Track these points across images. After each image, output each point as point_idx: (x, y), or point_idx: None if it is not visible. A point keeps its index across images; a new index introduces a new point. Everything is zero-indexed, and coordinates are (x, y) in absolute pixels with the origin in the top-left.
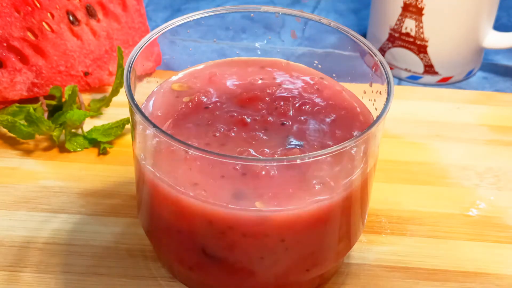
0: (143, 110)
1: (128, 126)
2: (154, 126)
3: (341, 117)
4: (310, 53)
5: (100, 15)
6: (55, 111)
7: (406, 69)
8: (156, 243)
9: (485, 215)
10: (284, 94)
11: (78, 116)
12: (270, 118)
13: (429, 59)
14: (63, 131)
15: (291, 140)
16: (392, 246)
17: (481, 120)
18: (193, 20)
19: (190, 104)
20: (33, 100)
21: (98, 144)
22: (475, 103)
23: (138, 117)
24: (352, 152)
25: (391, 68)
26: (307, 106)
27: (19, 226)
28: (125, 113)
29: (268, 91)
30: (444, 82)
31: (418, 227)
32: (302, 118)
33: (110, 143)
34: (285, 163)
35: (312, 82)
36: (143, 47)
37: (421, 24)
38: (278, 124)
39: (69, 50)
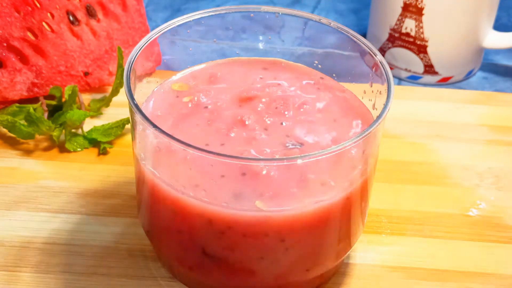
0: (143, 110)
1: (128, 126)
2: (154, 126)
3: (341, 117)
4: (310, 53)
5: (100, 15)
6: (55, 111)
7: (406, 69)
8: (156, 243)
9: (485, 215)
10: (284, 94)
11: (78, 116)
12: (270, 118)
13: (429, 59)
14: (63, 131)
15: (291, 140)
16: (392, 246)
17: (481, 120)
18: (193, 20)
19: (190, 104)
20: (33, 100)
21: (98, 144)
22: (475, 103)
23: (138, 117)
24: (352, 152)
25: (391, 68)
26: (307, 106)
27: (19, 226)
28: (125, 113)
29: (267, 90)
30: (444, 82)
31: (418, 227)
32: (302, 118)
33: (110, 143)
34: (285, 163)
35: (312, 82)
36: (143, 47)
37: (421, 24)
38: (278, 124)
39: (69, 50)
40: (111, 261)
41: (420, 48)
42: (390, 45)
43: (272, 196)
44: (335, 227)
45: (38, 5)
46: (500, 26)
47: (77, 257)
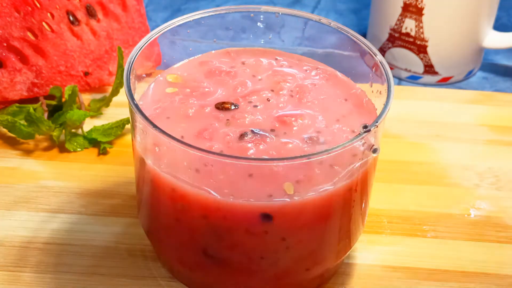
0: (141, 108)
1: (128, 126)
2: (154, 126)
3: (342, 117)
4: (310, 53)
5: (100, 15)
6: (55, 111)
7: (406, 69)
8: (156, 243)
9: (485, 215)
10: (284, 85)
11: (78, 116)
12: (265, 111)
13: (429, 59)
14: (63, 131)
15: (287, 134)
16: (392, 246)
17: (481, 120)
18: (193, 20)
19: (186, 97)
20: (33, 100)
21: (98, 144)
22: (475, 103)
23: (138, 117)
24: (352, 152)
25: (391, 68)
26: (305, 100)
27: (19, 226)
28: (125, 113)
29: (269, 82)
30: (444, 82)
31: (418, 227)
32: (299, 112)
33: (110, 143)
34: (285, 163)
35: (313, 73)
36: (143, 47)
37: (421, 24)
38: (273, 115)
39: (69, 50)
40: (111, 261)
41: (420, 48)
42: (390, 45)
43: (273, 194)
44: (335, 225)
45: (38, 5)
46: (500, 26)
47: (77, 257)
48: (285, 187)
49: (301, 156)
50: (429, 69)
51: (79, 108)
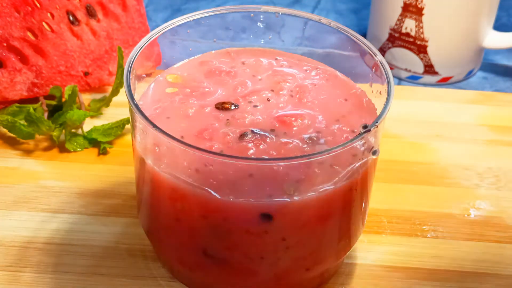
0: (141, 108)
1: (128, 126)
2: (154, 126)
3: (341, 117)
4: (310, 53)
5: (100, 15)
6: (55, 111)
7: (406, 69)
8: (156, 243)
9: (485, 215)
10: (284, 85)
11: (78, 116)
12: (265, 110)
13: (429, 59)
14: (63, 131)
15: (287, 134)
16: (392, 246)
17: (481, 120)
18: (193, 20)
19: (186, 97)
20: (33, 100)
21: (98, 144)
22: (475, 103)
23: (138, 117)
24: (352, 152)
25: (391, 68)
26: (305, 100)
27: (19, 226)
28: (125, 113)
29: (268, 82)
30: (444, 82)
31: (418, 227)
32: (299, 112)
33: (110, 143)
34: (285, 163)
35: (313, 74)
36: (143, 47)
37: (421, 24)
38: (273, 115)
39: (69, 50)
40: (111, 261)
41: (420, 48)
42: (390, 45)
43: (274, 193)
44: (335, 225)
45: (38, 5)
46: (500, 26)
47: (77, 257)
48: (285, 187)
49: (301, 156)
50: (429, 69)
51: (79, 108)
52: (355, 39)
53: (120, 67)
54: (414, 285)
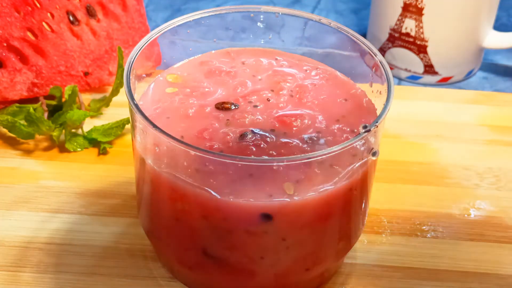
0: (141, 108)
1: (128, 126)
2: (154, 126)
3: (341, 117)
4: (310, 53)
5: (100, 15)
6: (55, 111)
7: (406, 69)
8: (156, 243)
9: (485, 215)
10: (285, 85)
11: (78, 116)
12: (265, 110)
13: (429, 59)
14: (63, 131)
15: (287, 134)
16: (392, 246)
17: (481, 120)
18: (193, 20)
19: (186, 97)
20: (33, 100)
21: (98, 144)
22: (475, 103)
23: (138, 117)
24: (352, 152)
25: (391, 68)
26: (305, 100)
27: (19, 226)
28: (125, 113)
29: (268, 82)
30: (444, 82)
31: (418, 227)
32: (299, 112)
33: (110, 143)
34: (285, 163)
35: (313, 74)
36: (143, 47)
37: (421, 24)
38: (273, 115)
39: (69, 50)
40: (111, 261)
41: (420, 48)
42: (390, 45)
43: (274, 193)
44: (335, 224)
45: (38, 5)
46: (500, 26)
47: (77, 257)
48: (285, 187)
49: (301, 156)
50: (429, 69)
51: (79, 108)
52: (355, 39)
53: (120, 67)
54: (414, 285)
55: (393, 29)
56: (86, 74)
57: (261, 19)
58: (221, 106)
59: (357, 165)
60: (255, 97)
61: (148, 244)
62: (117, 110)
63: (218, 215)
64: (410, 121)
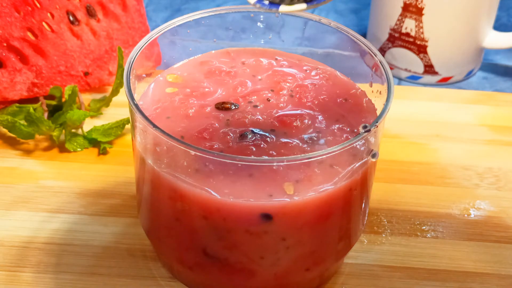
0: (141, 108)
1: (128, 126)
2: (154, 126)
3: (341, 117)
4: (310, 53)
5: (100, 15)
6: (55, 111)
7: (406, 69)
8: (156, 243)
9: (485, 215)
10: (284, 85)
11: (78, 116)
12: (265, 110)
13: (429, 59)
14: (63, 131)
15: (287, 134)
16: (392, 246)
17: (481, 120)
18: (193, 20)
19: (186, 97)
20: (33, 100)
21: (98, 144)
22: (475, 103)
23: (138, 117)
24: (352, 152)
25: (391, 68)
26: (305, 100)
27: (19, 226)
28: (125, 113)
29: (268, 82)
30: (444, 82)
31: (418, 227)
32: (299, 112)
33: (110, 143)
34: (285, 163)
35: (313, 74)
36: (143, 47)
37: (421, 24)
38: (273, 115)
39: (69, 50)
40: (111, 261)
41: (420, 48)
42: (390, 45)
43: (274, 193)
44: (335, 224)
45: (38, 5)
46: (500, 26)
47: (77, 257)
48: (285, 187)
49: (301, 156)
50: (429, 69)
51: (79, 108)
52: (355, 39)
53: (120, 67)
54: (414, 285)
55: (393, 29)
56: (86, 74)
57: (261, 19)
58: (221, 106)
59: (357, 165)
60: (255, 97)
61: (148, 244)
62: (117, 110)
63: (218, 215)
64: (410, 121)
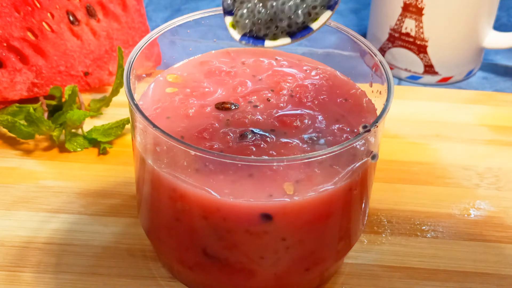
0: (141, 108)
1: (128, 126)
2: (154, 126)
3: (341, 117)
4: (310, 53)
5: (100, 15)
6: (55, 111)
7: (406, 69)
8: (156, 243)
9: (485, 215)
10: (285, 85)
11: (78, 116)
12: (265, 110)
13: (429, 59)
14: (63, 131)
15: (287, 134)
16: (392, 246)
17: (481, 120)
18: (193, 20)
19: (186, 97)
20: (33, 100)
21: (98, 144)
22: (475, 103)
23: (138, 117)
24: (352, 152)
25: (391, 68)
26: (305, 100)
27: (19, 226)
28: (125, 113)
29: (268, 82)
30: (444, 82)
31: (418, 227)
32: (299, 112)
33: (110, 143)
34: (285, 163)
35: (313, 74)
36: (143, 47)
37: (421, 24)
38: (273, 115)
39: (69, 50)
40: (111, 261)
41: (420, 48)
42: (390, 45)
43: (274, 193)
44: (335, 225)
45: (38, 5)
46: (500, 26)
47: (77, 257)
48: (285, 187)
49: (301, 156)
50: (429, 69)
51: (79, 108)
52: (355, 39)
53: (120, 67)
54: (414, 285)
55: (393, 29)
56: (86, 74)
57: None
58: (221, 106)
59: (357, 165)
60: (255, 97)
61: (148, 244)
62: (117, 110)
63: (218, 215)
64: (410, 121)
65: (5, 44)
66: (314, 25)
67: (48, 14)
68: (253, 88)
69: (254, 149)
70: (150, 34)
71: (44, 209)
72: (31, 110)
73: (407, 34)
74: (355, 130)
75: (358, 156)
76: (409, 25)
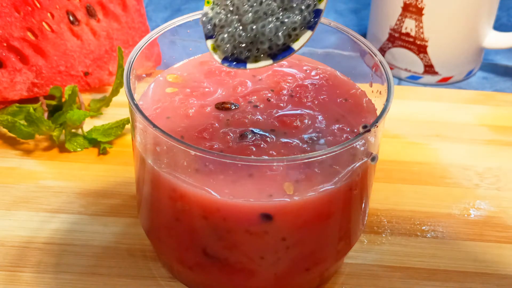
0: (141, 108)
1: (128, 126)
2: (154, 126)
3: (341, 117)
4: (310, 53)
5: (100, 15)
6: (55, 111)
7: (406, 69)
8: (156, 243)
9: (485, 215)
10: (285, 85)
11: (78, 116)
12: (265, 110)
13: (429, 59)
14: (63, 131)
15: (287, 134)
16: (392, 246)
17: (481, 120)
18: (193, 20)
19: (186, 97)
20: (33, 100)
21: (98, 144)
22: (475, 103)
23: (138, 117)
24: (352, 152)
25: (391, 68)
26: (305, 100)
27: (19, 226)
28: (125, 113)
29: (269, 82)
30: (444, 82)
31: (418, 227)
32: (299, 112)
33: (110, 143)
34: (285, 163)
35: (313, 74)
36: (143, 47)
37: (421, 24)
38: (273, 115)
39: (69, 50)
40: (111, 261)
41: (420, 48)
42: (390, 45)
43: (274, 193)
44: (335, 224)
45: (38, 5)
46: (500, 26)
47: (77, 257)
48: (285, 187)
49: (301, 156)
50: (429, 69)
51: (79, 108)
52: (355, 39)
53: (120, 67)
54: (414, 285)
55: (393, 29)
56: (86, 74)
57: None
58: (221, 106)
59: (357, 165)
60: (255, 97)
61: (148, 244)
62: (117, 110)
63: (218, 215)
64: (410, 121)
65: (5, 44)
66: (295, 45)
67: (48, 14)
68: (253, 88)
69: (254, 149)
70: (150, 34)
71: (44, 209)
72: (31, 110)
73: (407, 34)
74: (355, 130)
75: (358, 156)
76: (409, 25)
